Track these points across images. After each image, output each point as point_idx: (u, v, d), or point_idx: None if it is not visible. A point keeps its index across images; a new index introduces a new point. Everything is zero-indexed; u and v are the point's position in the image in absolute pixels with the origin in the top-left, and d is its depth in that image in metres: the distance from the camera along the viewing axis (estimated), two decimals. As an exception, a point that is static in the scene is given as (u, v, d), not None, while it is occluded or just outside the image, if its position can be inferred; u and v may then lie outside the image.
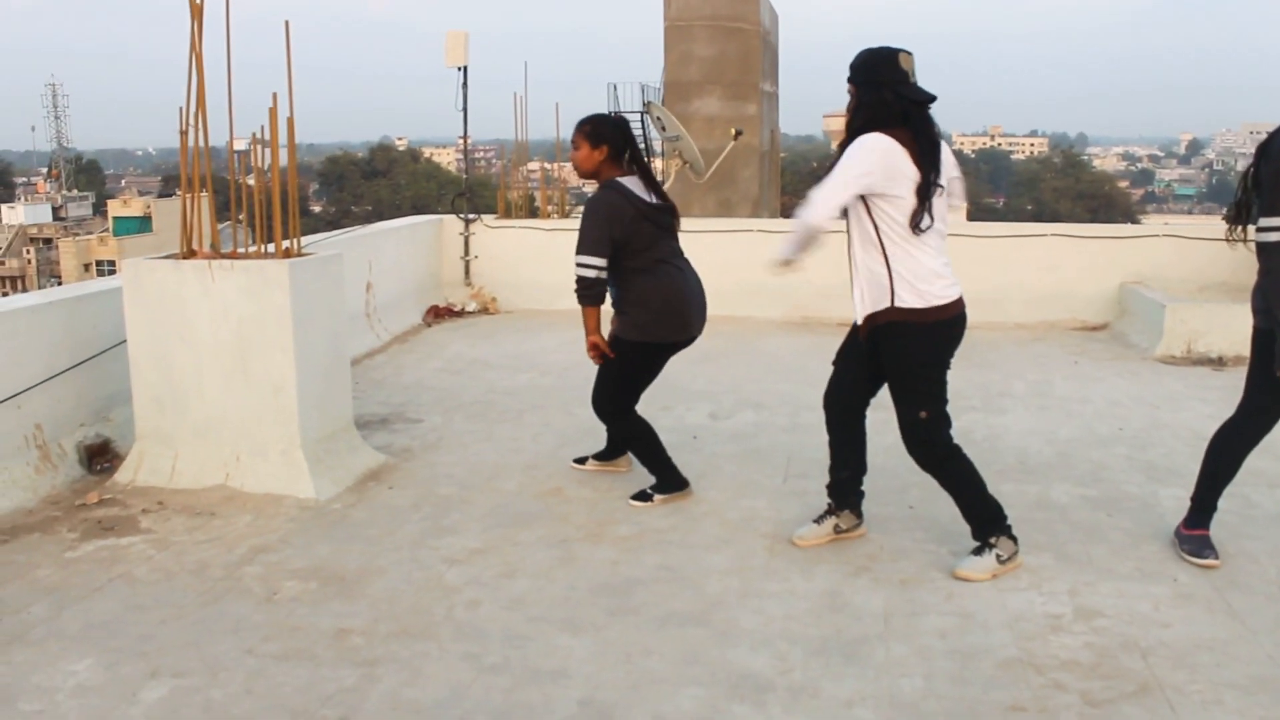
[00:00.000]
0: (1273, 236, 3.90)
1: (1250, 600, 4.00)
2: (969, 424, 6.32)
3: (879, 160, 3.97)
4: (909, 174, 3.97)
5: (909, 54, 4.11)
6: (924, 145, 4.00)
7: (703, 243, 9.66)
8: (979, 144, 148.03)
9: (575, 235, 4.89)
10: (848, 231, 4.17)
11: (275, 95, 5.14)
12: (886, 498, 5.02)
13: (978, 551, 4.24)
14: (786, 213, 26.22)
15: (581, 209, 5.09)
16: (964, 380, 7.31)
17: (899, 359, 4.16)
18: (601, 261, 4.79)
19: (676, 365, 7.51)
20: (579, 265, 4.81)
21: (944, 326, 4.15)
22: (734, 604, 3.97)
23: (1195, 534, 4.39)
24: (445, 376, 7.62)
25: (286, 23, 5.21)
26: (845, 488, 4.57)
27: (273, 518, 4.83)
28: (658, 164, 21.25)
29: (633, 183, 4.86)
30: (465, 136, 11.25)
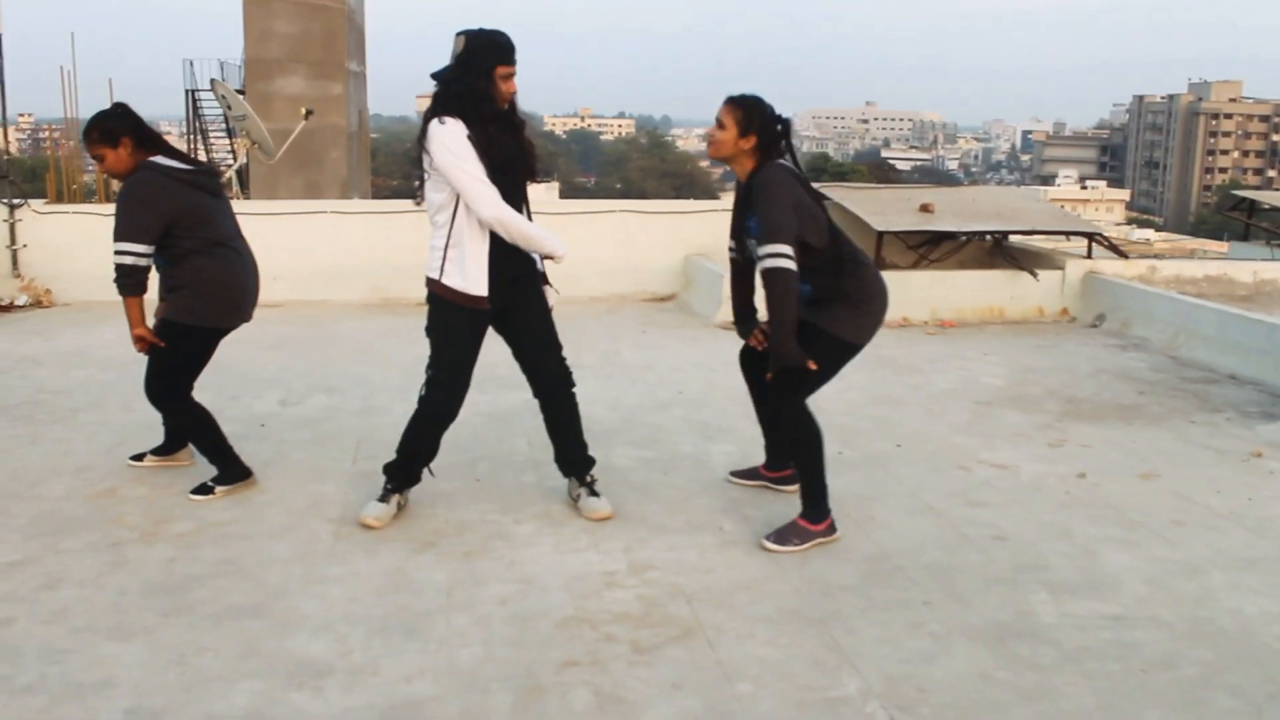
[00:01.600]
0: (766, 263, 4.20)
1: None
2: (542, 396, 6.51)
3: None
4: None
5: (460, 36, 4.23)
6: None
7: (282, 225, 9.41)
8: (570, 125, 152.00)
9: None
10: (456, 206, 4.26)
11: None
12: (457, 472, 5.08)
13: (383, 498, 4.57)
14: (379, 194, 25.93)
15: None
16: (540, 354, 7.52)
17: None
18: (144, 248, 4.54)
19: (246, 352, 7.26)
20: (118, 253, 4.53)
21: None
22: (296, 591, 3.90)
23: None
24: (-12, 377, 6.97)
25: None
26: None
27: None
28: (237, 143, 20.39)
29: (163, 160, 4.62)
30: (4, 113, 10.30)
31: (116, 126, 4.61)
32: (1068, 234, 10.94)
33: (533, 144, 4.52)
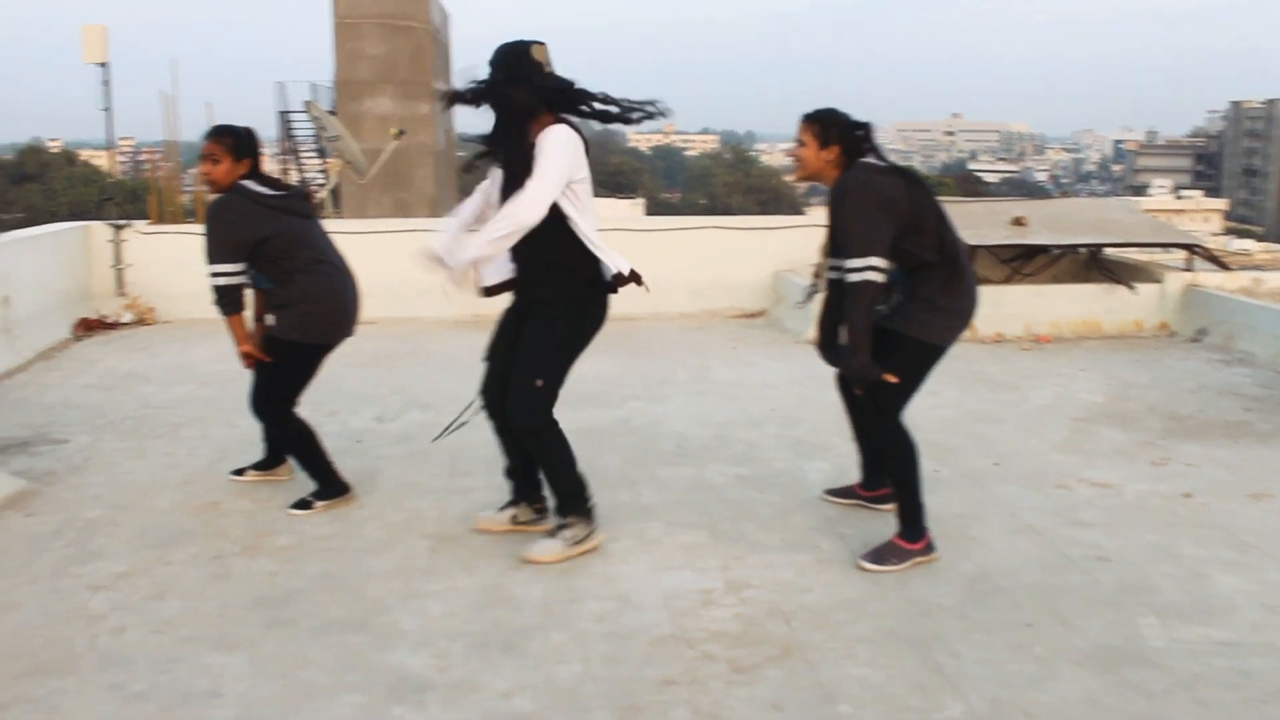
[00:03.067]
0: (851, 276, 4.13)
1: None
2: (631, 412, 6.53)
3: (573, 149, 4.15)
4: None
5: (542, 44, 4.24)
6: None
7: (375, 243, 9.54)
8: (654, 141, 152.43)
9: None
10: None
11: None
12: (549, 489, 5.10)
13: (551, 534, 4.38)
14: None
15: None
16: (628, 370, 7.55)
17: (550, 327, 4.27)
18: (234, 267, 4.66)
19: (343, 368, 7.37)
20: (212, 275, 4.65)
21: (601, 309, 4.35)
22: (395, 606, 3.94)
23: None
24: (95, 393, 7.16)
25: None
26: (517, 479, 4.64)
27: (-112, 557, 4.40)
28: (329, 163, 20.78)
29: (251, 184, 4.73)
30: (111, 138, 10.62)
31: (246, 145, 4.75)
32: (1165, 246, 10.70)
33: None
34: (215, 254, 4.65)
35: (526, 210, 4.09)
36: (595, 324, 4.37)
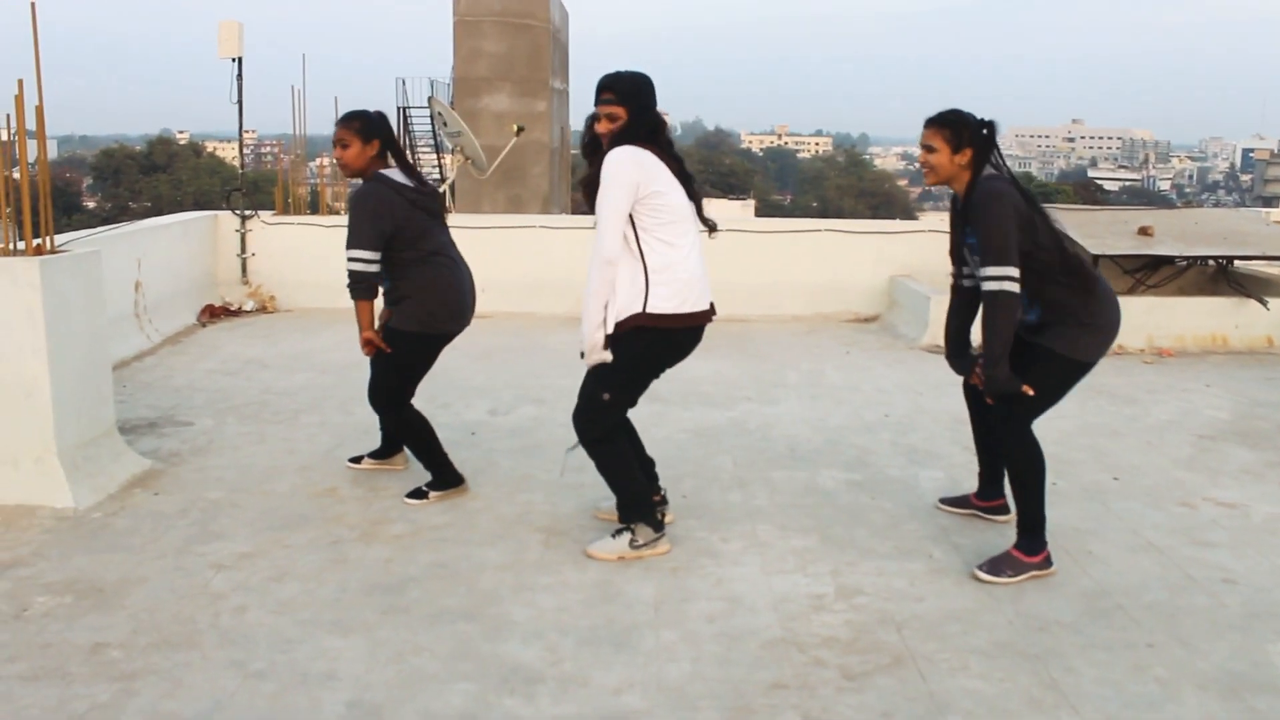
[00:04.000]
0: (989, 286, 4.08)
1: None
2: (744, 414, 6.50)
3: (635, 168, 4.11)
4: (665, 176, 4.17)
5: None
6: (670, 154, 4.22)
7: (487, 239, 9.67)
8: (767, 143, 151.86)
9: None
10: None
11: (20, 82, 4.87)
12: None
13: (615, 533, 4.39)
14: (578, 209, 26.45)
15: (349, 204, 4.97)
16: (741, 371, 7.53)
17: (629, 348, 4.23)
18: (373, 255, 4.73)
19: (457, 361, 7.48)
20: (350, 260, 4.74)
21: (683, 333, 4.29)
22: (507, 598, 3.98)
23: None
24: (218, 378, 7.37)
25: (33, 4, 4.94)
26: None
27: (25, 530, 4.58)
28: (447, 160, 21.06)
29: (395, 174, 4.83)
30: (241, 130, 10.91)
31: (376, 129, 4.86)
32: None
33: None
34: (356, 240, 4.75)
35: (599, 248, 4.13)
36: (659, 350, 4.30)
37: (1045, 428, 6.14)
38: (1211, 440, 6.16)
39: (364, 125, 4.84)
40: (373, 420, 5.45)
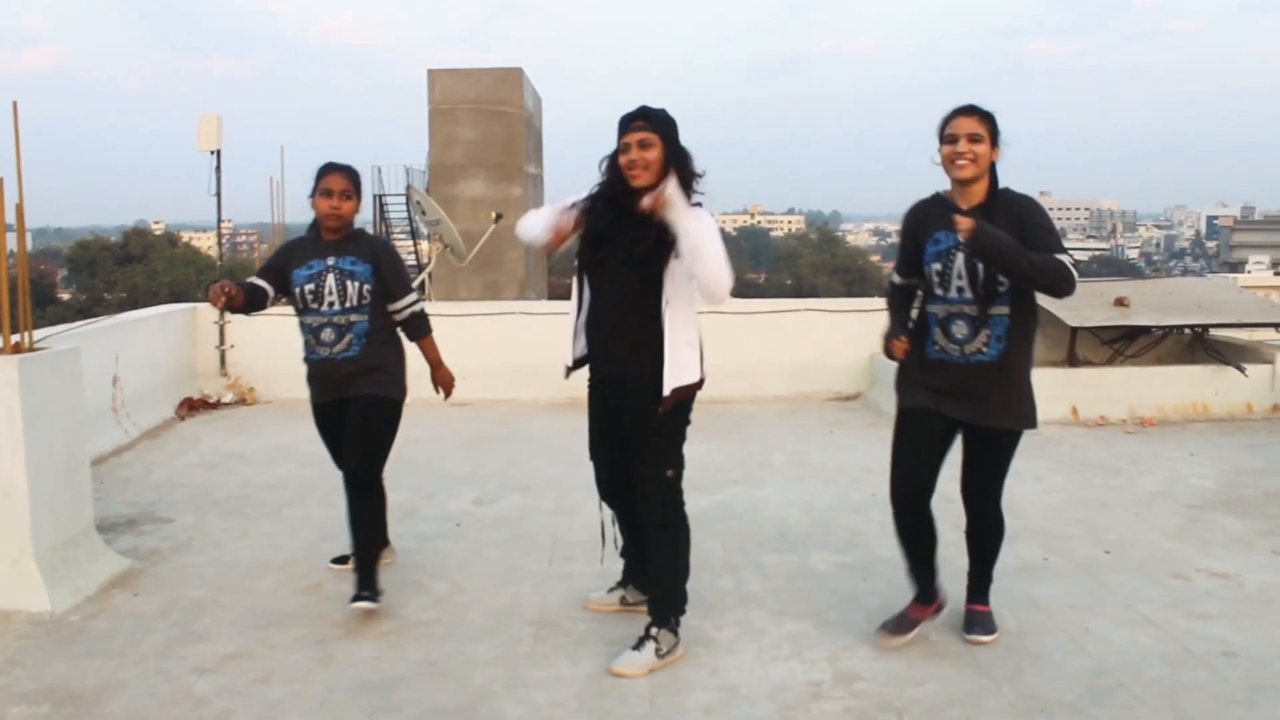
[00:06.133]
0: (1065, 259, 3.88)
1: (992, 652, 4.19)
2: (730, 497, 6.45)
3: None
4: None
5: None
6: None
7: (466, 326, 9.66)
8: (740, 222, 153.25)
9: None
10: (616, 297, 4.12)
11: (0, 179, 4.86)
12: (652, 575, 5.04)
13: (637, 646, 4.12)
14: (554, 294, 26.53)
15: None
16: (725, 454, 7.49)
17: (669, 420, 4.10)
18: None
19: (440, 450, 7.44)
20: (416, 301, 4.91)
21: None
22: (500, 695, 3.89)
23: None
24: (198, 472, 7.28)
25: (14, 104, 4.94)
26: (629, 559, 4.62)
27: (0, 636, 4.47)
28: (423, 246, 21.13)
29: None
30: (220, 222, 10.92)
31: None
32: (1277, 326, 10.40)
33: (646, 227, 3.96)
34: (407, 283, 4.94)
35: (725, 276, 3.96)
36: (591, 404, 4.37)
37: (1034, 502, 6.17)
38: (1200, 510, 6.15)
39: (357, 185, 4.85)
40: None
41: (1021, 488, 6.40)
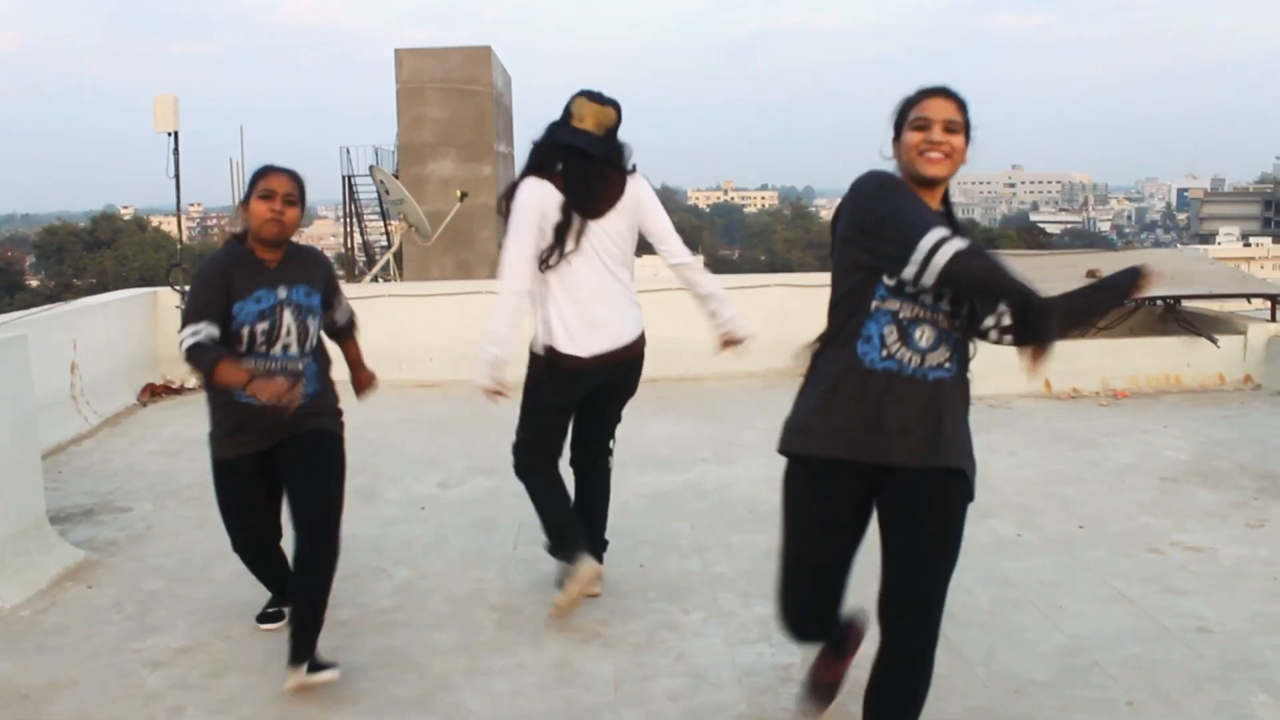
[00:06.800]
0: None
1: (965, 632, 4.11)
2: (700, 475, 6.37)
3: (532, 207, 4.21)
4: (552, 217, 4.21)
5: (587, 98, 4.29)
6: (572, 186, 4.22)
7: (437, 306, 9.51)
8: (714, 198, 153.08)
9: None
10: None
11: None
12: (619, 558, 4.93)
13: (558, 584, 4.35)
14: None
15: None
16: (695, 432, 7.39)
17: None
18: None
19: (404, 432, 7.31)
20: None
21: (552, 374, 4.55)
22: (460, 684, 3.79)
23: None
24: (160, 459, 7.13)
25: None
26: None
27: (-52, 632, 4.34)
28: (394, 226, 20.94)
29: None
30: (180, 205, 10.73)
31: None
32: (1248, 296, 10.38)
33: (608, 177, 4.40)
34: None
35: (500, 284, 4.30)
36: (550, 387, 4.65)
37: (1008, 476, 6.10)
38: (1174, 483, 6.09)
39: (303, 193, 3.99)
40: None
41: (996, 462, 6.33)
